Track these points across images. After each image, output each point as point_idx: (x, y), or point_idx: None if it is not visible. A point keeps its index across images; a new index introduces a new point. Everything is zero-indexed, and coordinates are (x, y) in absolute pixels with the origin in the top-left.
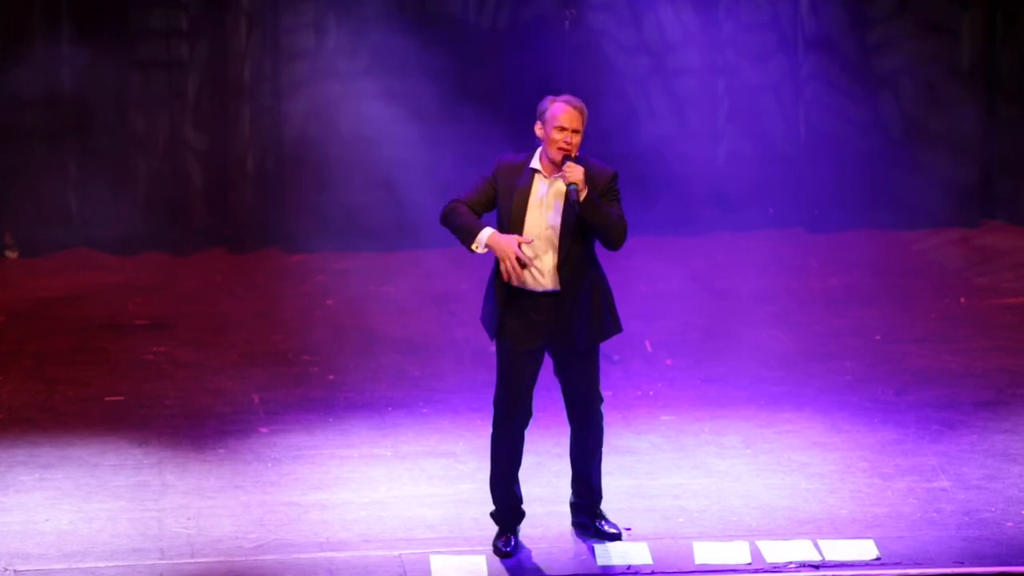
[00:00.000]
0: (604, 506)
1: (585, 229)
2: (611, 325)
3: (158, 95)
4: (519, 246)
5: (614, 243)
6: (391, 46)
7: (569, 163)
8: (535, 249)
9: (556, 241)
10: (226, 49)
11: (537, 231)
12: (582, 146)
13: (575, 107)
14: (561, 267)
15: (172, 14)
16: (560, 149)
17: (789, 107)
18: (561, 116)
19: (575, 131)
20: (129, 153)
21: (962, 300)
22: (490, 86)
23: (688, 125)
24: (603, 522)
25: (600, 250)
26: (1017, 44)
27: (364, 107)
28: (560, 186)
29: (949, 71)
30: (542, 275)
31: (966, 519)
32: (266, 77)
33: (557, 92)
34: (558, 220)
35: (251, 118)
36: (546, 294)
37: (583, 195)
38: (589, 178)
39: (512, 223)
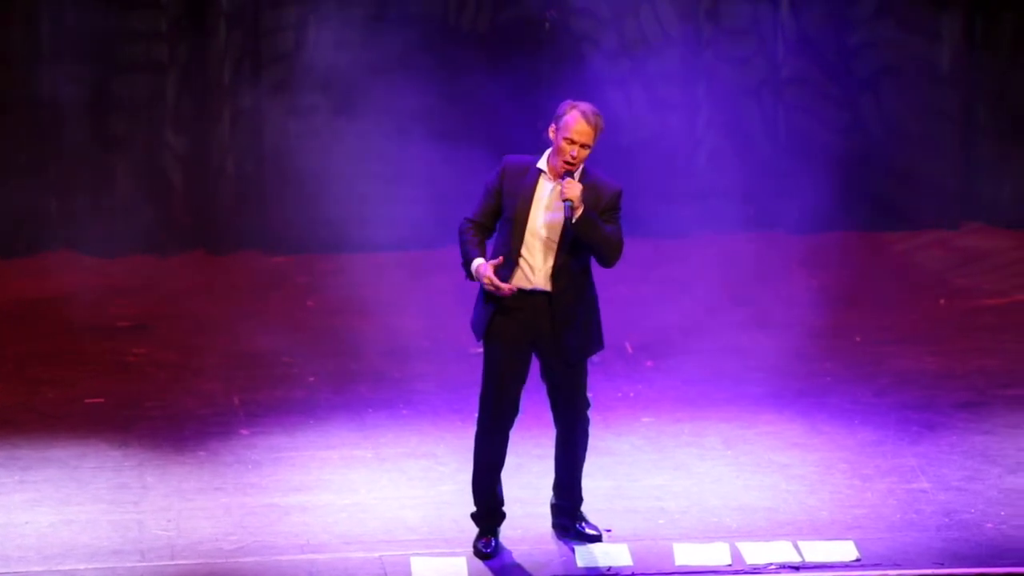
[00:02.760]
0: (584, 508)
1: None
2: (597, 342)
3: (138, 97)
4: (494, 270)
5: (608, 261)
6: (372, 48)
7: (568, 180)
8: (531, 248)
9: (554, 243)
10: (206, 51)
11: (536, 230)
12: (591, 158)
13: (590, 122)
14: (556, 273)
15: (151, 16)
16: (565, 162)
17: (769, 109)
18: (573, 128)
19: (584, 146)
20: (109, 155)
21: (942, 302)
22: (471, 89)
23: (668, 127)
24: (583, 524)
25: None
26: (996, 47)
27: (346, 109)
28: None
29: (929, 73)
30: (533, 273)
31: (946, 520)
32: (246, 79)
33: (536, 92)
34: (560, 223)
35: (231, 120)
36: (536, 293)
37: (578, 213)
38: (593, 193)
39: (515, 223)
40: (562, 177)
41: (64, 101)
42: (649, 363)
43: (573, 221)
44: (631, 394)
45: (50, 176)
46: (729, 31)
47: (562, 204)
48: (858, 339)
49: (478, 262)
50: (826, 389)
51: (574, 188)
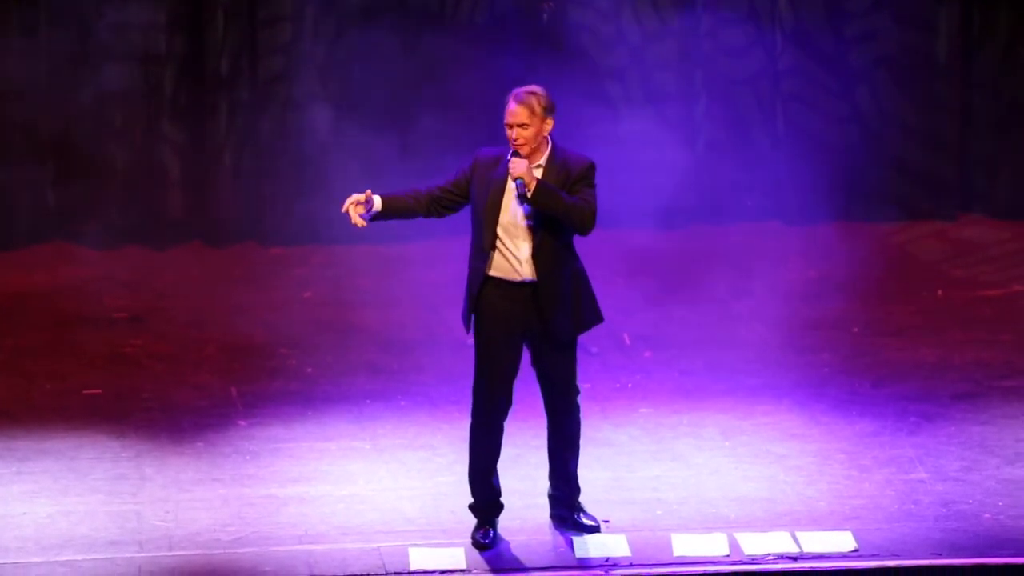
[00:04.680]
0: (582, 498)
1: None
2: (591, 316)
3: (135, 88)
4: (357, 202)
5: (578, 227)
6: (369, 40)
7: (512, 159)
8: (512, 236)
9: (531, 228)
10: (203, 43)
11: (512, 220)
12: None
13: (519, 102)
14: (535, 256)
15: (150, 7)
16: (513, 145)
17: (767, 100)
18: (507, 111)
19: (520, 125)
20: (106, 146)
21: (939, 293)
22: (469, 80)
23: (665, 118)
24: (581, 514)
25: (579, 242)
26: (993, 38)
27: (342, 101)
28: (536, 176)
29: (926, 65)
30: (520, 264)
31: (944, 511)
32: (243, 71)
33: (533, 84)
34: (531, 209)
35: (228, 112)
36: (524, 284)
37: (531, 187)
38: (563, 168)
39: (487, 214)
40: (508, 159)
41: (62, 92)
42: (647, 354)
43: (528, 196)
44: (629, 385)
45: (47, 168)
46: (726, 21)
47: (514, 184)
48: (856, 330)
49: (373, 195)
50: (824, 380)
51: (518, 166)
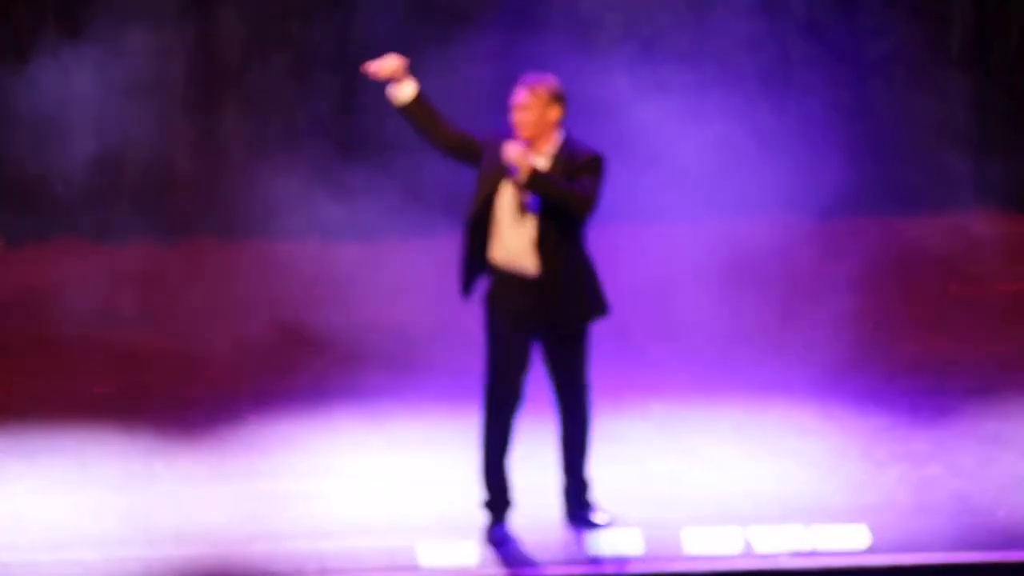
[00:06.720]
0: (594, 494)
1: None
2: (596, 307)
3: (145, 82)
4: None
5: (575, 213)
6: (379, 32)
7: (508, 143)
8: (516, 224)
9: (534, 215)
10: (213, 36)
11: (516, 207)
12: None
13: (523, 85)
14: (538, 244)
15: (159, 1)
16: (515, 128)
17: (780, 92)
18: (512, 97)
19: (521, 107)
20: (116, 140)
21: (954, 287)
22: (478, 71)
23: (678, 110)
24: (593, 510)
25: (588, 235)
26: (1008, 29)
27: (354, 92)
28: (542, 164)
29: (940, 56)
30: (524, 253)
31: (958, 506)
32: (254, 65)
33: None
34: (537, 197)
35: (239, 105)
36: (530, 276)
37: (524, 173)
38: (569, 157)
39: (483, 188)
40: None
41: (70, 85)
42: (660, 348)
43: (523, 182)
44: (641, 380)
45: (56, 162)
46: (739, 14)
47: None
48: (870, 324)
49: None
50: (838, 374)
51: (512, 149)
